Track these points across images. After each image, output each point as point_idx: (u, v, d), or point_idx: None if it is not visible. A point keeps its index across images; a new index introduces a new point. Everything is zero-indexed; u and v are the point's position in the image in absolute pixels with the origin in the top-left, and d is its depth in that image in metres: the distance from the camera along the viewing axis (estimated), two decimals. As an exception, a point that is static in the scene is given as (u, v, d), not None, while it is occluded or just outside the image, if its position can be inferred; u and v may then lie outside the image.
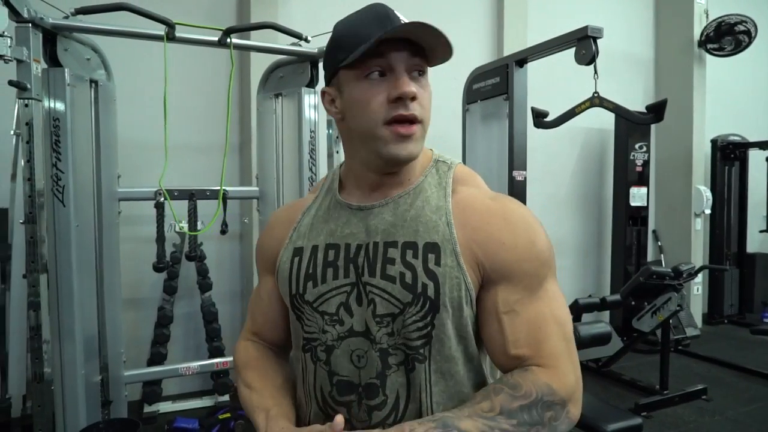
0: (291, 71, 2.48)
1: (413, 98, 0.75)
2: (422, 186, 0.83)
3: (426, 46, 0.76)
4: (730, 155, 5.11)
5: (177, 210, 2.30)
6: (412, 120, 0.76)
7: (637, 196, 4.59)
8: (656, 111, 2.35)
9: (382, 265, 0.77)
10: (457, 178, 0.84)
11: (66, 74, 1.94)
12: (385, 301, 0.76)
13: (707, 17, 4.90)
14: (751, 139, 5.09)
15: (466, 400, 0.75)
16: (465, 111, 3.14)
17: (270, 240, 0.94)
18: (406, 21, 0.74)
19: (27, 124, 1.82)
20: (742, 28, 4.65)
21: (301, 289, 0.83)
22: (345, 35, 0.78)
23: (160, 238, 2.35)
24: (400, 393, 0.76)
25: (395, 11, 0.78)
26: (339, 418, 0.73)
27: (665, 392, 3.26)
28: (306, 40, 2.33)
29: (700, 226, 4.98)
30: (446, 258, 0.75)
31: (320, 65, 2.26)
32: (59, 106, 1.93)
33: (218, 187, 2.39)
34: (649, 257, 4.94)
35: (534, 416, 0.70)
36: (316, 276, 0.82)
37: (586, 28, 2.31)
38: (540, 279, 0.76)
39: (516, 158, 2.71)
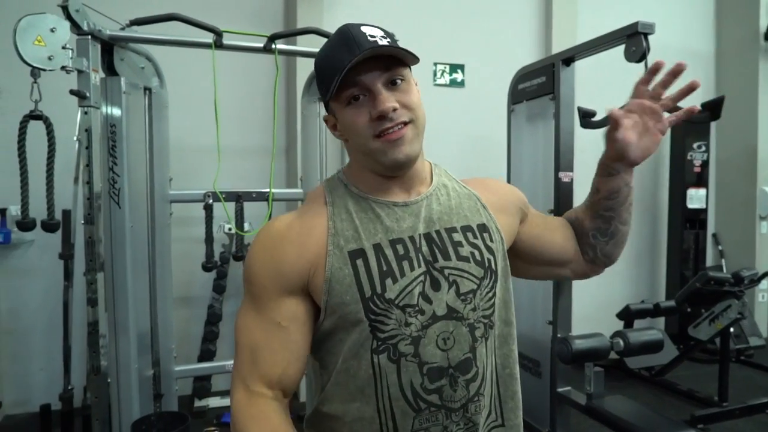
0: (334, 75, 2.51)
1: (394, 110, 0.81)
2: (442, 181, 0.95)
3: (397, 56, 0.82)
4: (800, 154, 4.78)
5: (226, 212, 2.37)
6: (400, 126, 0.82)
7: (695, 197, 4.36)
8: (712, 109, 2.23)
9: (453, 249, 0.87)
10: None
11: (122, 83, 2.04)
12: (465, 280, 0.86)
13: (775, 8, 4.62)
14: (824, 136, 4.74)
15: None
16: (510, 111, 3.09)
17: (291, 252, 0.84)
18: (372, 38, 0.79)
19: (86, 130, 1.93)
20: (813, 18, 4.34)
21: (379, 288, 0.81)
22: (323, 69, 0.85)
23: (209, 239, 2.44)
24: (484, 362, 0.86)
25: (362, 27, 0.82)
26: None
27: (724, 404, 3.08)
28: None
29: (766, 230, 4.68)
30: (494, 234, 0.92)
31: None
32: (116, 112, 2.04)
33: (264, 189, 2.46)
34: (709, 262, 4.69)
35: None
36: (393, 271, 0.83)
37: (636, 23, 2.21)
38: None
39: (562, 159, 2.63)
